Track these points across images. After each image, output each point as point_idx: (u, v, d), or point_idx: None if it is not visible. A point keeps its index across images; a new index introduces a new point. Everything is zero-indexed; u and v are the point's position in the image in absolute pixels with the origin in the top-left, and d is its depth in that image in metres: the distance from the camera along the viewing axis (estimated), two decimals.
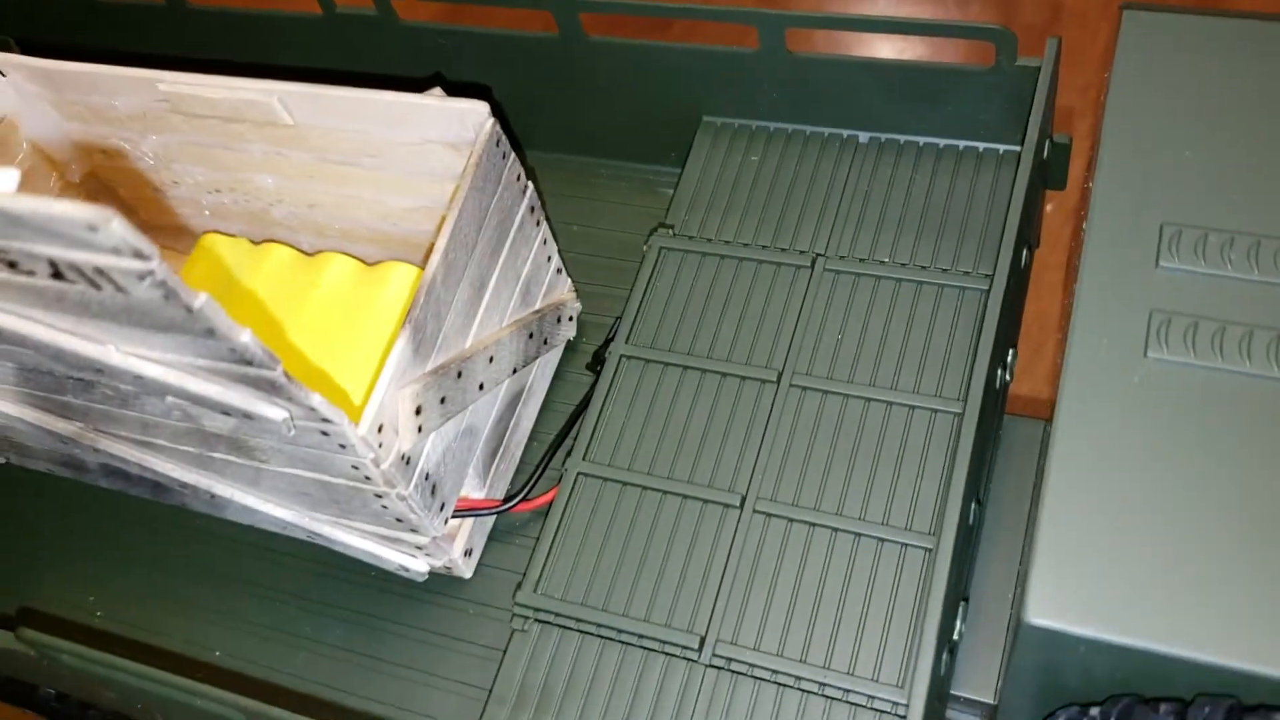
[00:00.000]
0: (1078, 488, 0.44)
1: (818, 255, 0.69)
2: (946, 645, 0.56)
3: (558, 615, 0.61)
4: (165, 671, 0.60)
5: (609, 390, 0.67)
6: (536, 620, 0.61)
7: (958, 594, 0.59)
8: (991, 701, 0.60)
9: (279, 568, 0.71)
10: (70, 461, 0.71)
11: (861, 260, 0.68)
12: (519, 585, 0.62)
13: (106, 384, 0.57)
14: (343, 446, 0.54)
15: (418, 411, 0.57)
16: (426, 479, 0.60)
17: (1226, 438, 0.43)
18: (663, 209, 0.75)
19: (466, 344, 0.62)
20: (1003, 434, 0.68)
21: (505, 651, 0.61)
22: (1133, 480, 0.43)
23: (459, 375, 0.60)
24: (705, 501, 0.62)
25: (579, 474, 0.65)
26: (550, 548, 0.63)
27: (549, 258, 0.70)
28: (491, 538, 0.69)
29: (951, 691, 0.61)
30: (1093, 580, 0.41)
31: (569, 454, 0.66)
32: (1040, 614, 0.41)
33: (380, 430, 0.55)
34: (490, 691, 0.60)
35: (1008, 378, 0.65)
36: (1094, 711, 0.44)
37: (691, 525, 0.62)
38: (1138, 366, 0.46)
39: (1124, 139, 0.50)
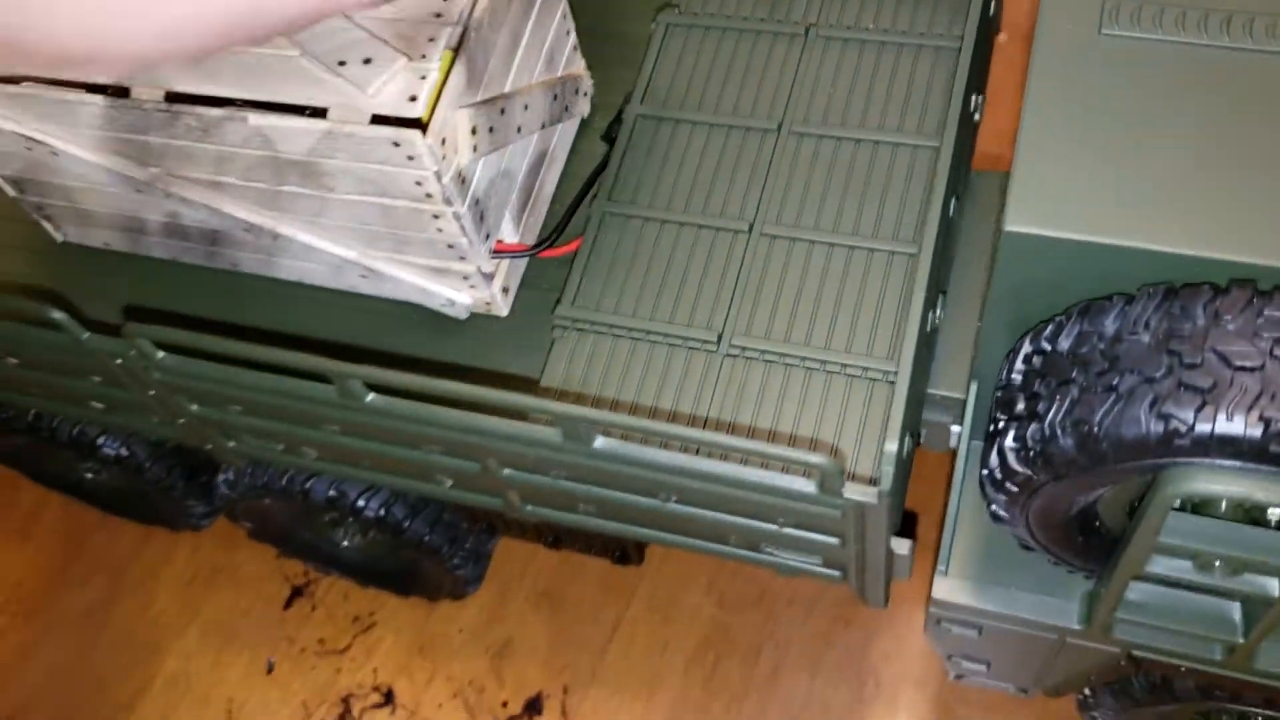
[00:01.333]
0: (1050, 116, 0.53)
1: (810, 25, 0.78)
2: (927, 329, 0.66)
3: (593, 323, 0.70)
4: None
5: (627, 145, 0.76)
6: (575, 329, 0.70)
7: (937, 288, 0.68)
8: (961, 396, 0.70)
9: (331, 321, 0.78)
10: (131, 225, 0.78)
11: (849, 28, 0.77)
12: (557, 302, 0.71)
13: (190, 114, 0.65)
14: (410, 158, 0.62)
15: (473, 132, 0.65)
16: (476, 204, 0.68)
17: (1183, 89, 0.52)
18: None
19: (506, 88, 0.70)
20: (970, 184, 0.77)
21: (548, 354, 0.70)
22: (1100, 110, 0.52)
23: (502, 112, 0.68)
24: (718, 230, 0.72)
25: (605, 212, 0.74)
26: (584, 269, 0.72)
27: (568, 31, 0.78)
28: (522, 285, 0.77)
29: (929, 391, 0.71)
30: (1064, 190, 0.51)
31: (593, 199, 0.75)
32: (1018, 222, 0.51)
33: (444, 144, 0.63)
34: (537, 383, 0.69)
35: (976, 117, 0.75)
36: (1058, 318, 0.54)
37: (706, 249, 0.71)
38: (1094, 41, 0.55)
39: None
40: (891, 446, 0.60)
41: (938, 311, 0.69)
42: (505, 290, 0.75)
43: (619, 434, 0.61)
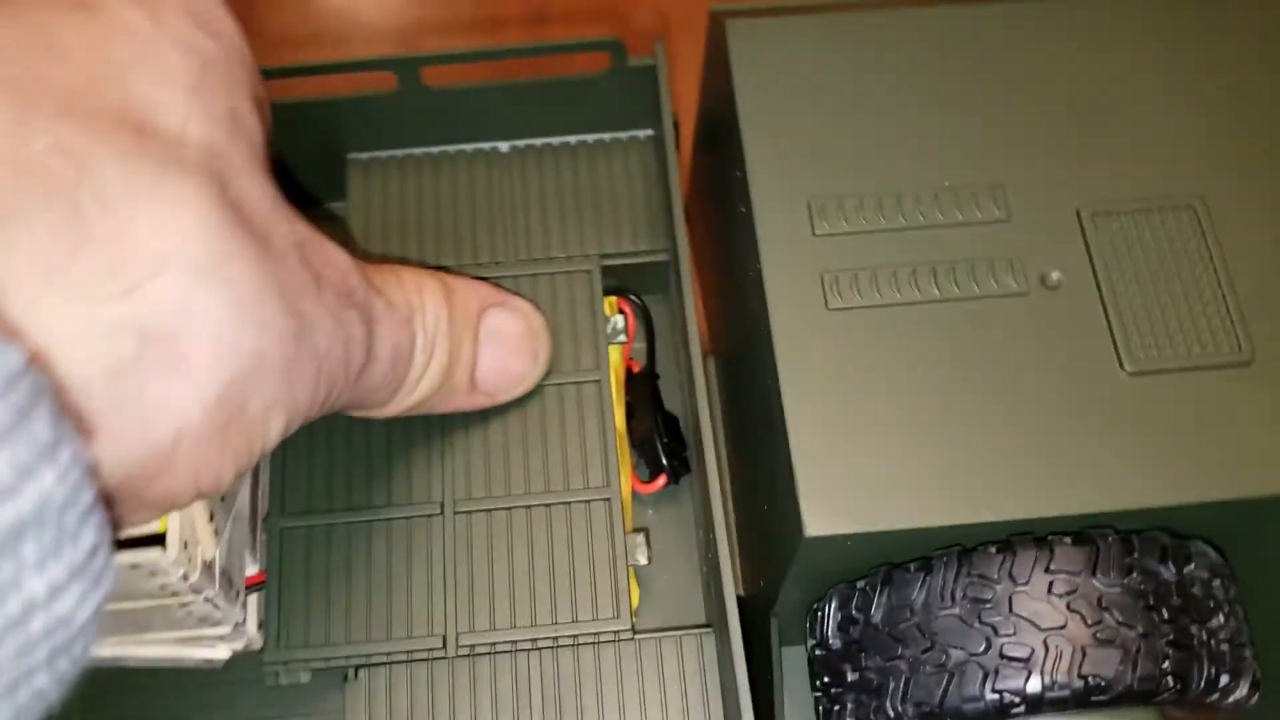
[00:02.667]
0: (809, 407, 0.55)
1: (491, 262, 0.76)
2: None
3: (307, 660, 0.65)
4: None
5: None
6: (287, 669, 0.65)
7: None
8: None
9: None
10: None
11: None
12: (262, 647, 0.66)
13: None
14: (153, 574, 0.56)
15: (210, 518, 0.59)
16: (223, 574, 0.62)
17: (917, 350, 0.56)
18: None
19: None
20: None
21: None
22: (851, 390, 0.56)
23: None
24: (410, 518, 0.68)
25: (282, 529, 0.68)
26: (279, 603, 0.66)
27: None
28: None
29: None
30: (847, 486, 0.53)
31: (265, 518, 0.69)
32: (817, 528, 0.53)
33: (185, 547, 0.57)
34: None
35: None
36: (860, 583, 0.57)
37: (404, 539, 0.67)
38: (824, 318, 0.58)
39: (762, 136, 0.62)
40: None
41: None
42: (260, 624, 0.70)
43: None
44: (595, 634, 0.65)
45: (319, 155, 0.79)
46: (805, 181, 0.61)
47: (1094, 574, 0.52)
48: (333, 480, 0.69)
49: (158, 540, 0.55)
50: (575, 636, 0.65)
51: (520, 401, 0.70)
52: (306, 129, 0.77)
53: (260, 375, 0.42)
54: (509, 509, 0.68)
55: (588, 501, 0.68)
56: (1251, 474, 0.53)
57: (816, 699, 0.60)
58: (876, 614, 0.55)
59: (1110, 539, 0.53)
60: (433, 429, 0.69)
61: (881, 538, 0.53)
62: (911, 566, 0.55)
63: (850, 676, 0.57)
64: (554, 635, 0.65)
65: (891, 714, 0.54)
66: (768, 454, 0.60)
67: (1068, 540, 0.53)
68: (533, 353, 0.67)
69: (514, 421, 0.70)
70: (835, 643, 0.58)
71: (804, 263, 0.59)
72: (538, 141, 0.79)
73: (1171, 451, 0.54)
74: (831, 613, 0.58)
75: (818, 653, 0.59)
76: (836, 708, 0.57)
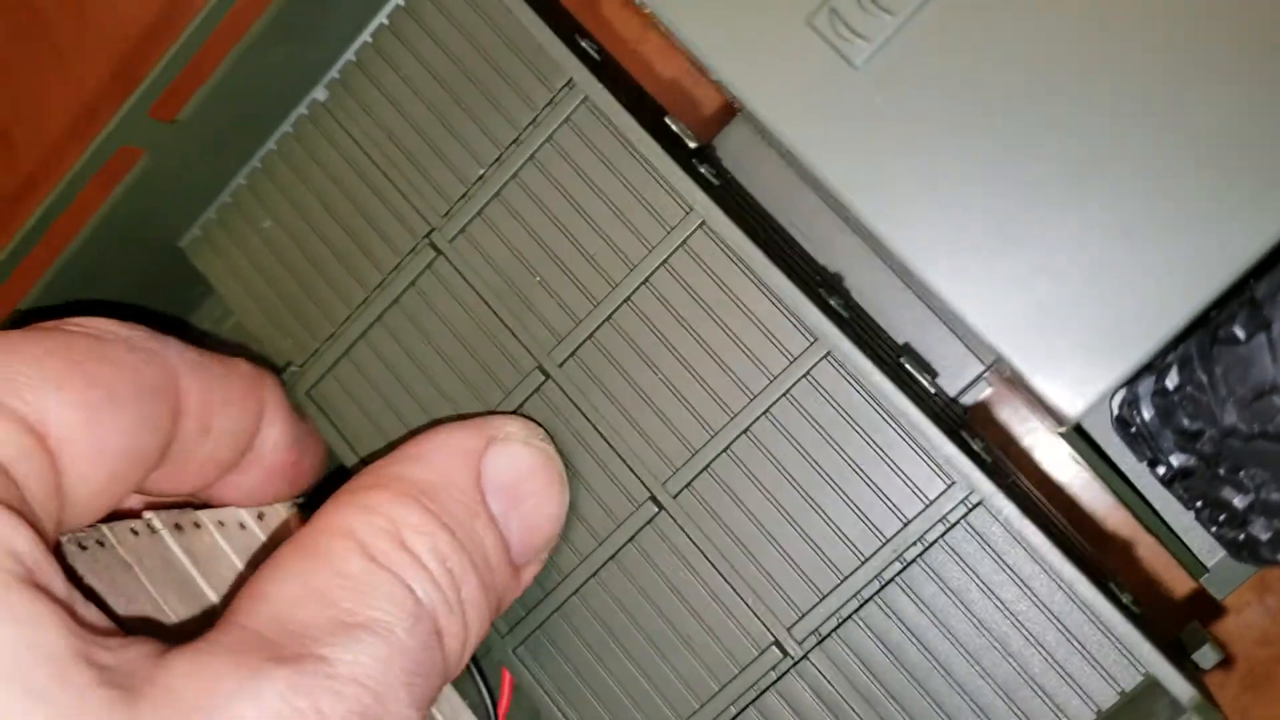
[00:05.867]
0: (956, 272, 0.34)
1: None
2: None
3: None
4: None
5: None
6: None
7: None
8: None
9: None
10: None
11: None
12: None
13: None
14: None
15: None
16: None
17: (1019, 44, 0.33)
18: None
19: None
20: None
21: None
22: (984, 191, 0.33)
23: None
24: None
25: None
26: None
27: None
28: None
29: None
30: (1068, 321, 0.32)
31: None
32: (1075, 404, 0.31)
33: None
34: None
35: None
36: (1171, 381, 0.36)
37: None
38: (856, 83, 0.34)
39: None
40: None
41: None
42: None
43: None
44: None
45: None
46: None
47: None
48: None
49: None
50: None
51: None
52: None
53: None
54: None
55: None
56: None
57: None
58: (1228, 415, 0.34)
59: None
60: None
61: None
62: (1235, 329, 0.33)
63: (1238, 501, 0.36)
64: None
65: None
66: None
67: None
68: (558, 480, 0.44)
69: None
70: (1184, 465, 0.37)
71: (772, 21, 0.35)
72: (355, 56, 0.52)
73: None
74: (1159, 433, 0.37)
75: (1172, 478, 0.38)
76: (1238, 535, 0.37)
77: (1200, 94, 0.32)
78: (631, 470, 0.44)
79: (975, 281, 0.33)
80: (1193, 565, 0.42)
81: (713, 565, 0.43)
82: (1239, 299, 0.33)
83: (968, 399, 0.48)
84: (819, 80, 0.34)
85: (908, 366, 0.44)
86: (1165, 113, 0.32)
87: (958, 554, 0.40)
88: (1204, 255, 0.31)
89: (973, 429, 0.45)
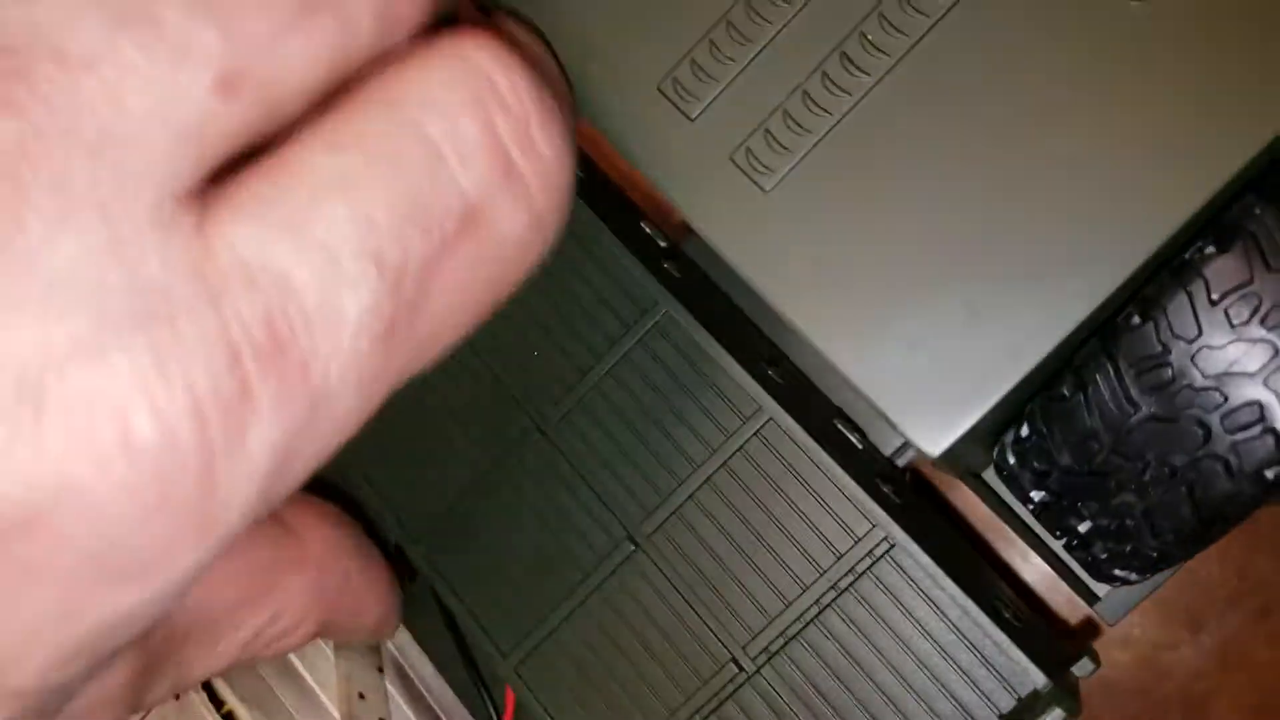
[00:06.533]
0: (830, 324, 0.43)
1: None
2: None
3: None
4: None
5: None
6: None
7: None
8: None
9: None
10: None
11: None
12: None
13: None
14: None
15: None
16: None
17: (890, 159, 0.43)
18: None
19: None
20: None
21: None
22: (860, 267, 0.43)
23: None
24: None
25: None
26: None
27: None
28: None
29: None
30: (928, 371, 0.41)
31: None
32: (934, 442, 0.40)
33: None
34: None
35: None
36: (1021, 431, 0.44)
37: None
38: (764, 202, 0.44)
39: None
40: None
41: None
42: None
43: None
44: None
45: None
46: (644, 69, 0.47)
47: (1268, 268, 0.38)
48: None
49: None
50: None
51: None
52: None
53: None
54: None
55: None
56: None
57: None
58: (1063, 457, 0.42)
59: (1256, 211, 0.39)
60: None
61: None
62: (1064, 389, 0.42)
63: (1081, 528, 0.44)
64: None
65: (1153, 554, 0.41)
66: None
67: (1210, 249, 0.39)
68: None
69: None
70: (1042, 499, 0.45)
71: (704, 158, 0.45)
72: None
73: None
74: (1020, 474, 0.45)
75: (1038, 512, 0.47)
76: (1087, 557, 0.45)
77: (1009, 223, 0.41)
78: (612, 513, 0.53)
79: (857, 350, 0.42)
80: (1085, 593, 0.50)
81: (680, 594, 0.52)
82: (1069, 366, 0.42)
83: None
84: (738, 200, 0.44)
85: (839, 426, 0.52)
86: (992, 221, 0.41)
87: (883, 583, 0.49)
88: (1027, 334, 0.40)
89: (897, 478, 0.53)
